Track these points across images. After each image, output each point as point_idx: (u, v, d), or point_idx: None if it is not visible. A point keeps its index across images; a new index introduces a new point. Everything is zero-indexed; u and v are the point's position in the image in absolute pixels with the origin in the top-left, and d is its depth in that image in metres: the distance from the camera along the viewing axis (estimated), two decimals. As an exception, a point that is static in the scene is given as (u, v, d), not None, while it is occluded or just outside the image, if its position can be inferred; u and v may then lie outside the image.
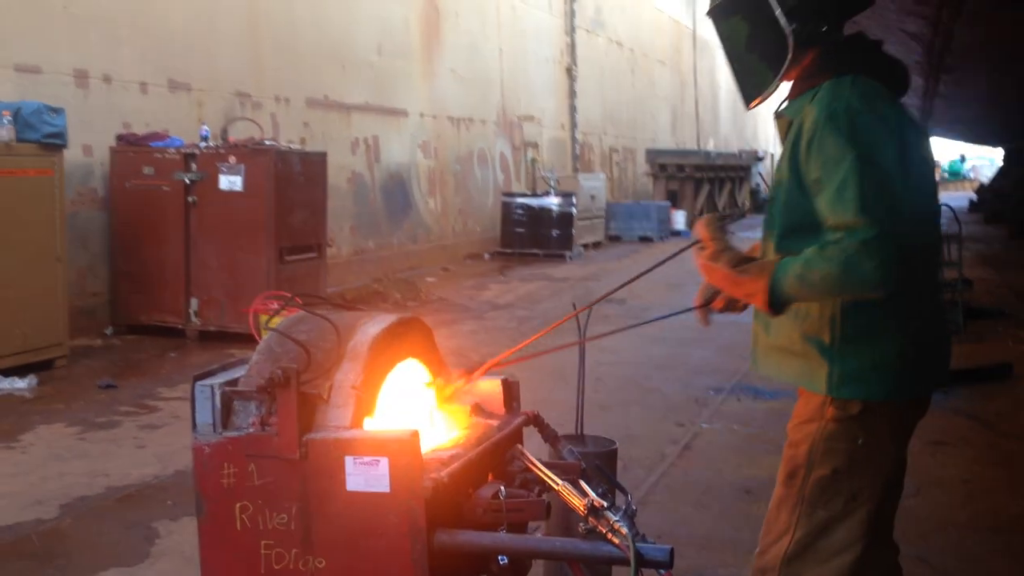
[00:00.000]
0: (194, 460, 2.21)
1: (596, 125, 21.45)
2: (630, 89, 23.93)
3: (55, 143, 7.00)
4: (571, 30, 19.71)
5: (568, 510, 2.19)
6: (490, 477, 2.31)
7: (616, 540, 2.00)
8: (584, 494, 2.12)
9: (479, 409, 2.52)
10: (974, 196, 30.73)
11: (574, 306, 2.73)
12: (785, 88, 2.47)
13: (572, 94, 19.94)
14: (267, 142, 8.64)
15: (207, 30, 9.84)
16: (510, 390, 2.59)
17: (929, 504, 4.57)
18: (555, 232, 15.74)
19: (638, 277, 2.74)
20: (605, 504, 2.06)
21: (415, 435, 2.08)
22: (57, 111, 7.00)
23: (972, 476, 5.12)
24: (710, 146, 29.92)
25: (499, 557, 2.20)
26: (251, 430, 2.17)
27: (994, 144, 31.95)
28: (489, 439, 2.37)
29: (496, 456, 2.36)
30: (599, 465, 2.56)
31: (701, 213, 22.68)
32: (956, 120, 22.70)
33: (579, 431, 3.16)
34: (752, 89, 2.49)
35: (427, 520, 2.05)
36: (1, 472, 4.93)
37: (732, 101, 35.27)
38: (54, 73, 8.13)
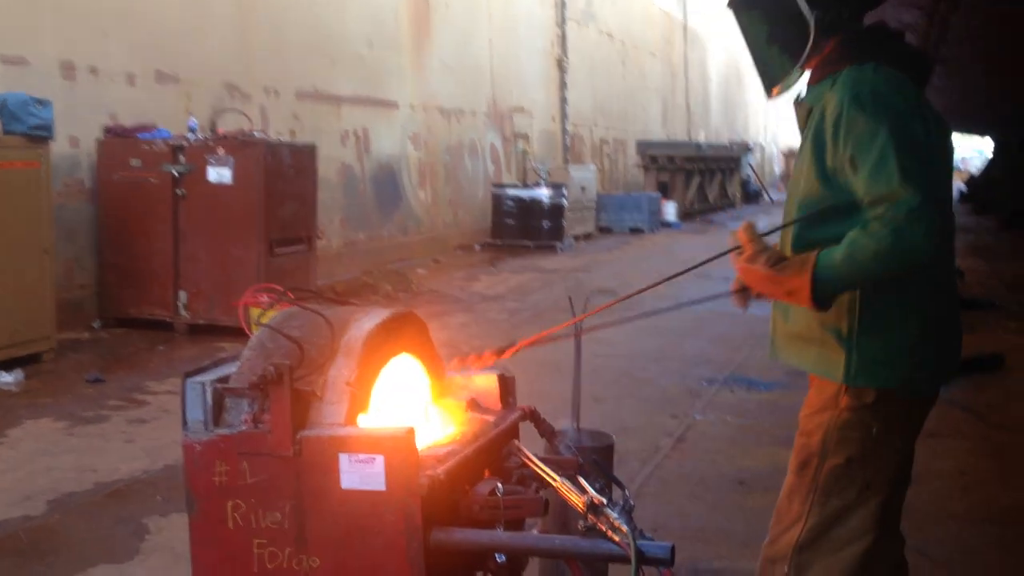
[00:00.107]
0: (185, 458, 2.17)
1: (587, 116, 21.40)
2: (621, 81, 23.89)
3: (42, 135, 6.94)
4: (562, 21, 19.64)
5: (565, 506, 2.16)
6: (487, 474, 2.28)
7: (616, 538, 1.97)
8: (583, 491, 2.09)
9: (475, 404, 2.49)
10: (964, 187, 30.85)
11: (616, 292, 2.69)
12: (803, 80, 2.48)
13: (563, 85, 19.89)
14: (256, 134, 8.58)
15: (195, 21, 9.75)
16: (506, 385, 2.56)
17: (925, 495, 4.56)
18: (546, 223, 15.71)
19: (677, 275, 2.69)
20: (605, 501, 2.03)
21: (411, 432, 2.05)
22: (44, 103, 6.93)
23: (966, 468, 5.13)
24: (701, 138, 29.91)
25: (496, 555, 2.17)
26: (243, 428, 2.13)
27: (983, 134, 32.04)
28: (485, 435, 2.33)
29: (493, 452, 2.32)
30: (596, 460, 2.53)
31: (692, 204, 22.71)
32: (947, 111, 22.69)
33: (575, 426, 3.13)
34: (773, 78, 2.49)
35: (423, 518, 2.02)
36: (-12, 468, 4.88)
37: (722, 93, 35.30)
38: (40, 65, 8.04)
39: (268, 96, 10.80)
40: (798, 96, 2.48)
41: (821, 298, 2.21)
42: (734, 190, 27.02)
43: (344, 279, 10.89)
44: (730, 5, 2.56)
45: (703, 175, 23.67)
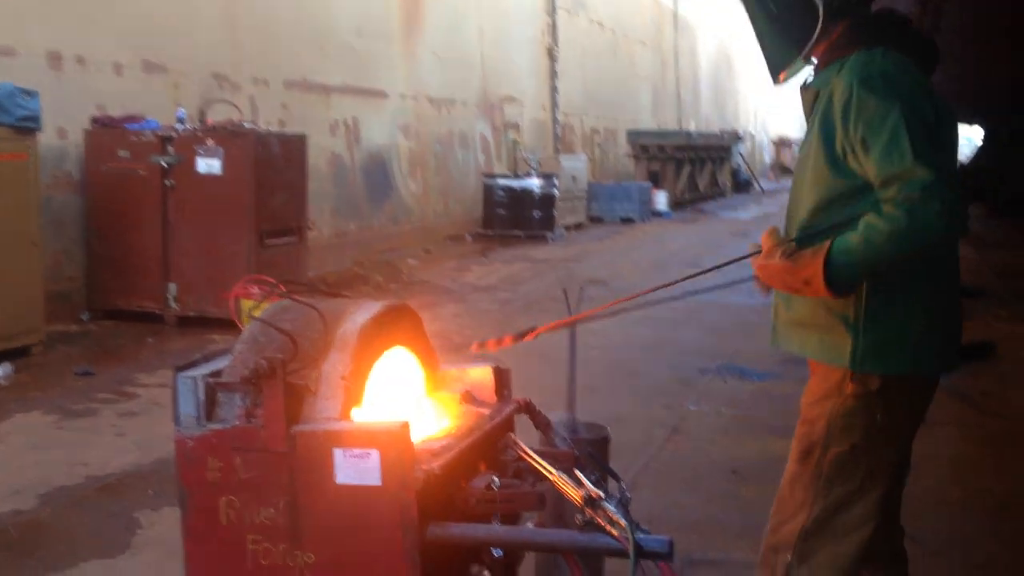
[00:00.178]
0: (177, 453, 2.14)
1: (577, 106, 21.35)
2: (611, 70, 23.82)
3: (29, 126, 6.87)
4: (552, 10, 19.57)
5: (561, 499, 2.15)
6: (483, 467, 2.26)
7: (615, 532, 1.96)
8: (580, 484, 2.07)
9: (470, 397, 2.47)
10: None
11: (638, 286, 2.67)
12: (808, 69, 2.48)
13: (553, 75, 19.83)
14: (246, 124, 8.52)
15: (183, 11, 9.66)
16: (501, 377, 2.54)
17: (919, 483, 4.55)
18: (537, 213, 15.67)
19: (695, 275, 2.65)
20: (602, 495, 2.01)
21: (406, 426, 2.03)
22: (31, 94, 6.86)
23: (960, 455, 5.13)
24: (691, 127, 29.89)
25: (493, 549, 2.15)
26: (236, 422, 2.10)
27: (972, 122, 32.10)
28: (481, 428, 2.31)
29: (488, 446, 2.31)
30: (592, 453, 2.52)
31: (683, 194, 22.69)
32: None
33: (571, 418, 3.11)
34: (780, 63, 2.49)
35: (419, 513, 2.00)
36: (-22, 462, 4.84)
37: (713, 81, 35.25)
38: (27, 55, 7.96)
39: (257, 86, 10.73)
40: (805, 81, 2.47)
41: (837, 285, 2.19)
42: (725, 179, 27.01)
43: (335, 270, 10.85)
44: None
45: (694, 164, 23.64)
